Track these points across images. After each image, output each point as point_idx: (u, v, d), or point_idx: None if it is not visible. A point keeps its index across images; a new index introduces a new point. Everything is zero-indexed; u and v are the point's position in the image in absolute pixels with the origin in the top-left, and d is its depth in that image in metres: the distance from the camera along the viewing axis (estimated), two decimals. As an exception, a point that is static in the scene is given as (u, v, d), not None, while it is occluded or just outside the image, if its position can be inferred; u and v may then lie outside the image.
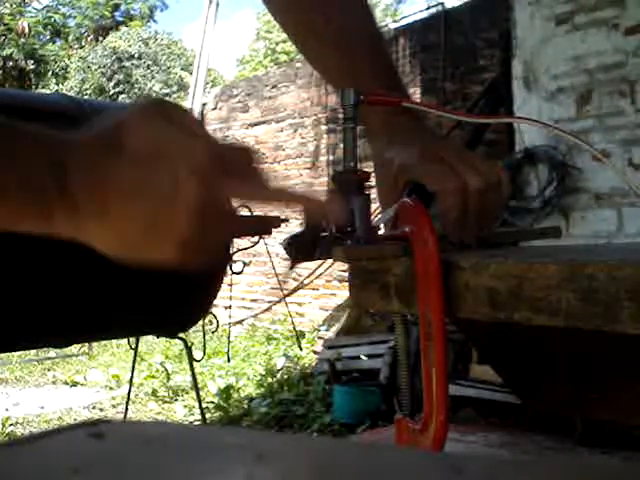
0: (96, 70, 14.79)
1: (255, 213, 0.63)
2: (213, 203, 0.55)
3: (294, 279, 6.02)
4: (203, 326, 2.36)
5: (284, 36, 0.95)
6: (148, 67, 14.93)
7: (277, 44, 18.49)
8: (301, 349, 5.28)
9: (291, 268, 0.66)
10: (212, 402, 4.52)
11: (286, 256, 0.65)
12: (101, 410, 4.64)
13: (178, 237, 0.54)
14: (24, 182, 0.52)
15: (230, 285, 5.00)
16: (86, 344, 5.99)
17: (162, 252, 0.55)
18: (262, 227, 0.65)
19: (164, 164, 0.53)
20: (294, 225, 0.63)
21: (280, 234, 0.67)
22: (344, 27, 0.85)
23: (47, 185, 0.52)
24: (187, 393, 4.81)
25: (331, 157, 6.05)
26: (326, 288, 5.96)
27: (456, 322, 0.70)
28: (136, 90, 14.62)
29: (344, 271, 5.09)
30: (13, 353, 5.37)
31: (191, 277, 2.17)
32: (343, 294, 5.62)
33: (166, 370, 5.12)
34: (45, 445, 0.30)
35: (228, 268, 2.27)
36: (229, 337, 5.05)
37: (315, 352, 5.25)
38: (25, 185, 0.52)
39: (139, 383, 4.96)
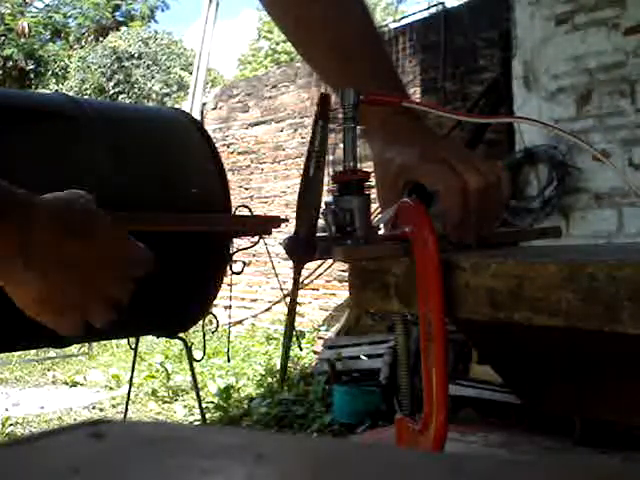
0: (96, 70, 14.77)
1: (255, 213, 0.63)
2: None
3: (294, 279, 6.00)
4: (203, 326, 2.36)
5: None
6: (148, 67, 14.92)
7: (277, 44, 18.49)
8: (301, 349, 5.28)
9: (296, 279, 0.66)
10: (212, 402, 4.52)
11: (286, 256, 0.65)
12: (101, 410, 4.64)
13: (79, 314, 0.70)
14: None
15: (230, 285, 5.00)
16: (86, 344, 5.99)
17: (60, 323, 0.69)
18: (262, 227, 0.65)
19: (90, 251, 0.67)
20: (294, 225, 0.64)
21: (280, 234, 0.67)
22: (343, 28, 0.85)
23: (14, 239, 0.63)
24: (187, 393, 4.81)
25: (331, 157, 6.05)
26: (326, 288, 5.96)
27: (456, 322, 0.70)
28: (136, 90, 14.61)
29: (344, 271, 5.09)
30: (13, 353, 5.37)
31: (191, 277, 2.17)
32: (343, 294, 5.62)
33: (166, 370, 5.12)
34: (45, 445, 0.30)
35: (228, 268, 2.27)
36: (229, 337, 5.05)
37: (315, 352, 5.25)
38: None
39: (139, 383, 4.96)
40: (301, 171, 0.60)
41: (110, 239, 0.69)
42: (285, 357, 0.69)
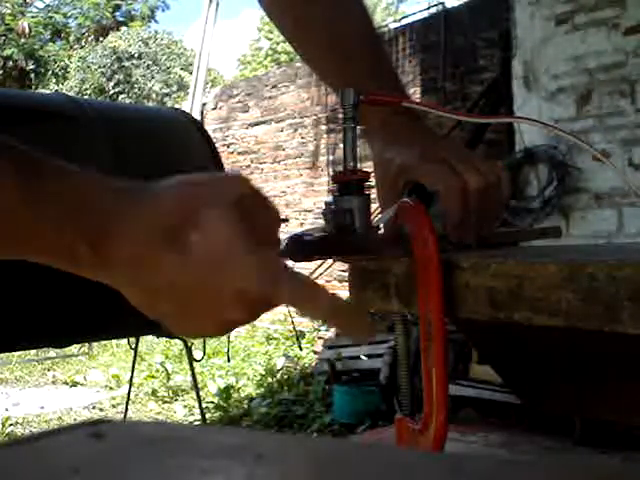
0: (96, 70, 14.78)
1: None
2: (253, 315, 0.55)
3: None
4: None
5: (284, 36, 0.94)
6: (148, 67, 14.92)
7: (278, 44, 18.49)
8: (301, 349, 5.28)
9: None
10: (212, 402, 4.52)
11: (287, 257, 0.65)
12: (101, 410, 4.64)
13: (208, 334, 0.56)
14: (46, 238, 0.49)
15: (230, 285, 4.99)
16: (86, 344, 5.99)
17: (186, 334, 0.57)
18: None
19: (213, 281, 0.50)
20: (294, 225, 0.63)
21: (280, 234, 0.67)
22: (342, 29, 0.85)
23: (74, 247, 0.49)
24: (187, 393, 4.82)
25: (331, 157, 6.05)
26: (326, 288, 5.96)
27: (456, 322, 0.70)
28: (136, 90, 14.61)
29: (344, 271, 5.09)
30: (13, 353, 5.37)
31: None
32: (343, 294, 5.61)
33: (166, 370, 5.12)
34: (45, 445, 0.30)
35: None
36: (229, 337, 5.05)
37: (315, 352, 5.25)
38: (47, 241, 0.49)
39: (139, 383, 4.97)
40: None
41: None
42: None
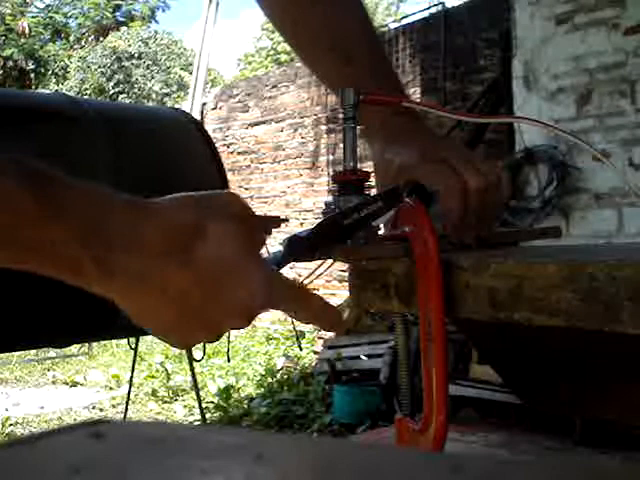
0: (96, 70, 14.78)
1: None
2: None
3: (294, 279, 6.00)
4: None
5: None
6: (148, 67, 14.92)
7: (279, 43, 18.47)
8: (301, 349, 5.28)
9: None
10: (212, 402, 4.52)
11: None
12: (101, 410, 4.64)
13: (200, 341, 0.57)
14: (56, 251, 0.50)
15: (230, 285, 4.99)
16: (86, 344, 5.99)
17: (178, 345, 0.58)
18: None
19: (220, 292, 0.52)
20: (294, 225, 0.64)
21: (280, 234, 0.67)
22: (342, 30, 0.85)
23: (82, 260, 0.50)
24: (187, 393, 4.81)
25: (331, 157, 6.05)
26: (326, 288, 5.96)
27: (456, 322, 0.70)
28: (136, 90, 14.61)
29: (344, 271, 5.09)
30: (13, 353, 5.37)
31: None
32: (343, 294, 5.62)
33: (166, 370, 5.12)
34: (45, 445, 0.30)
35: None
36: (229, 337, 5.05)
37: (315, 352, 5.25)
38: (57, 254, 0.50)
39: (139, 383, 4.97)
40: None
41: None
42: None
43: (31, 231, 0.49)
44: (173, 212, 0.53)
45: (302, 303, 0.58)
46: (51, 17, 17.42)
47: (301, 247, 0.63)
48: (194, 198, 0.54)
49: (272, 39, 19.04)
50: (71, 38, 17.58)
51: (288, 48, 0.93)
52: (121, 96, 14.47)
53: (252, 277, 0.53)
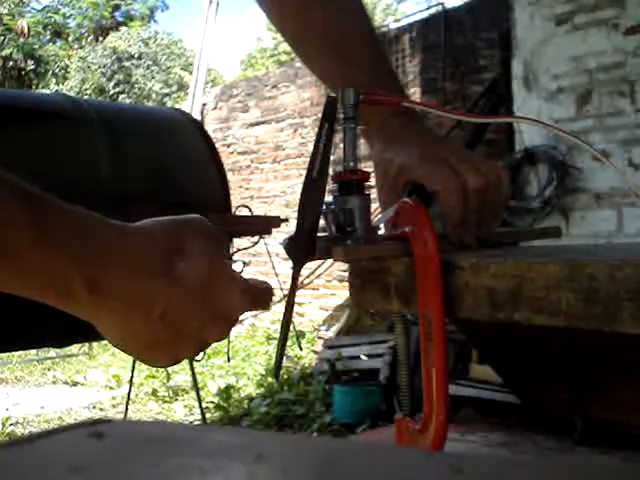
0: (96, 70, 14.78)
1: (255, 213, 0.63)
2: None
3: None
4: (203, 326, 2.35)
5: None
6: (148, 67, 14.92)
7: (280, 43, 18.44)
8: (301, 349, 5.28)
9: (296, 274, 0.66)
10: (212, 402, 4.52)
11: (286, 256, 0.65)
12: (101, 410, 4.64)
13: (186, 357, 0.60)
14: (50, 272, 0.51)
15: (230, 285, 4.99)
16: (86, 344, 5.99)
17: (160, 364, 0.60)
18: (262, 227, 0.65)
19: (202, 307, 0.56)
20: (294, 225, 0.64)
21: (280, 234, 0.67)
22: (342, 30, 0.85)
23: (75, 282, 0.51)
24: (187, 393, 4.81)
25: (331, 157, 6.04)
26: (326, 288, 5.96)
27: (456, 322, 0.70)
28: (136, 90, 14.61)
29: (344, 271, 5.09)
30: (13, 353, 5.37)
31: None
32: (343, 294, 5.62)
33: (166, 370, 5.12)
34: (45, 445, 0.30)
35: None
36: (229, 337, 5.04)
37: (315, 352, 5.25)
38: (51, 274, 0.51)
39: (139, 383, 4.97)
40: (302, 171, 0.61)
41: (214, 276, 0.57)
42: (280, 354, 0.69)
43: (25, 252, 0.50)
44: (154, 233, 0.56)
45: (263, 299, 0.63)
46: (50, 17, 17.42)
47: (301, 247, 0.63)
48: (171, 220, 0.58)
49: (275, 38, 19.02)
50: (70, 38, 17.58)
51: (288, 48, 0.93)
52: (121, 96, 14.46)
53: (230, 285, 0.57)
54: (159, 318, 0.54)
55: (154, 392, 4.89)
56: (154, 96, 14.54)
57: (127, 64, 14.81)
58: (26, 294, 0.52)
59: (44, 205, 0.52)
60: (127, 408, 3.12)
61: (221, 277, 0.57)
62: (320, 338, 5.42)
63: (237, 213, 2.25)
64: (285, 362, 5.16)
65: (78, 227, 0.52)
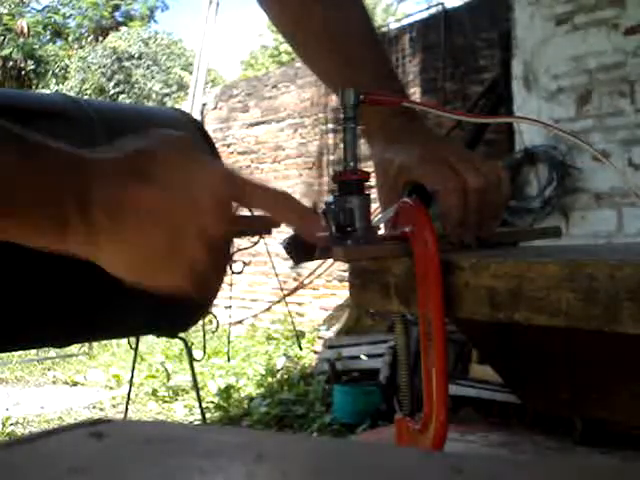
0: (96, 70, 14.77)
1: (256, 213, 0.63)
2: (226, 236, 0.61)
3: (294, 279, 6.02)
4: (203, 326, 2.36)
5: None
6: (148, 67, 14.91)
7: (281, 43, 18.43)
8: (301, 349, 5.28)
9: (295, 264, 0.66)
10: (212, 402, 4.52)
11: (286, 256, 0.65)
12: (101, 410, 4.64)
13: (191, 267, 0.58)
14: (42, 197, 0.53)
15: (230, 285, 5.00)
16: (86, 344, 5.99)
17: (172, 280, 0.58)
18: (262, 227, 0.65)
19: (188, 196, 0.56)
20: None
21: (280, 234, 0.67)
22: (343, 31, 0.85)
23: (66, 201, 0.53)
24: (187, 393, 4.82)
25: (331, 157, 6.05)
26: (326, 288, 5.96)
27: (456, 322, 0.70)
28: (136, 90, 14.61)
29: (344, 271, 5.10)
30: (13, 353, 5.37)
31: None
32: (343, 294, 5.62)
33: (166, 370, 5.12)
34: (45, 445, 0.30)
35: (228, 268, 2.27)
36: (229, 337, 5.05)
37: (315, 352, 5.25)
38: (43, 200, 0.53)
39: (139, 383, 4.96)
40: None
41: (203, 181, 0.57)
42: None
43: (23, 186, 0.52)
44: (131, 143, 0.59)
45: (272, 201, 0.61)
46: (50, 17, 17.41)
47: (301, 247, 0.63)
48: (149, 132, 0.61)
49: (276, 40, 19.01)
50: (70, 38, 17.57)
51: (289, 48, 0.93)
52: (121, 96, 14.46)
53: (213, 171, 0.58)
54: (152, 225, 0.55)
55: (154, 392, 4.89)
56: (154, 96, 14.54)
57: (127, 64, 14.81)
58: (21, 235, 0.54)
59: (33, 144, 0.54)
60: (127, 408, 3.12)
61: (196, 163, 0.58)
62: (320, 338, 5.42)
63: (237, 213, 2.25)
64: (285, 362, 5.16)
65: (63, 158, 0.55)
